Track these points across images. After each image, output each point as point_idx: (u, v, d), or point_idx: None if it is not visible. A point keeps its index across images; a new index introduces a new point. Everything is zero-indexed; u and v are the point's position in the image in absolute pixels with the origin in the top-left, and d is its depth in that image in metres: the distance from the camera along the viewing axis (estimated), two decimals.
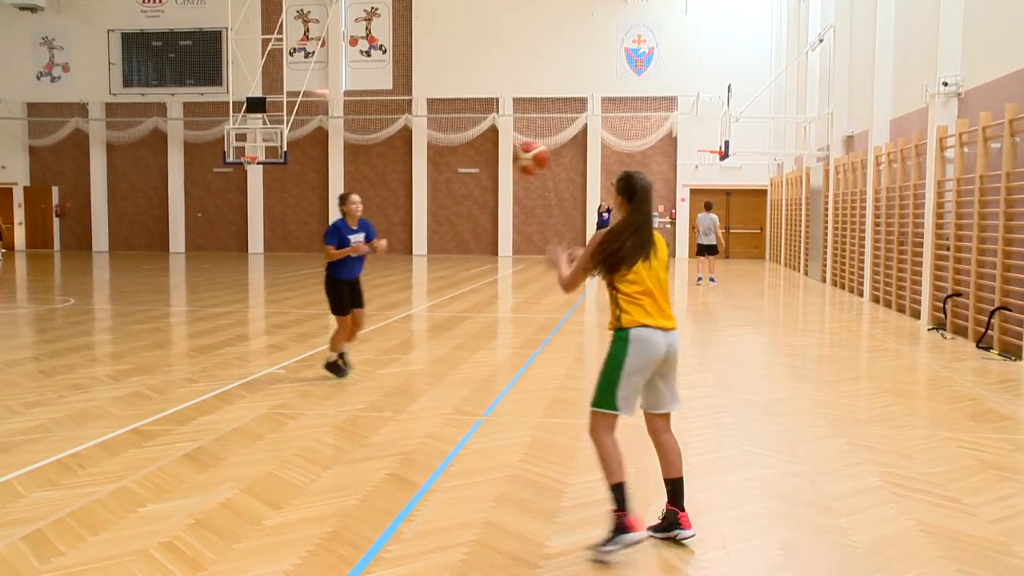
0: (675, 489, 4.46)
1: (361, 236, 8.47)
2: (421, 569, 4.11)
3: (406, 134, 31.81)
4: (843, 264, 19.08)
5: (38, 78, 33.70)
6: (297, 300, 16.23)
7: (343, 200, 8.48)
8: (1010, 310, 10.42)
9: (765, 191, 30.47)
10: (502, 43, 30.92)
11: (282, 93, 28.52)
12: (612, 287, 4.43)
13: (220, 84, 32.30)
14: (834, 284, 19.86)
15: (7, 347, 10.72)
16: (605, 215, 25.87)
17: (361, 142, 32.06)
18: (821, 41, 22.46)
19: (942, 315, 12.52)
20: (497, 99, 31.12)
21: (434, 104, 31.65)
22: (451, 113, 31.48)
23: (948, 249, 12.62)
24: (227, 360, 9.67)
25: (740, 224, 30.63)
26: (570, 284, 4.60)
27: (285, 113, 27.82)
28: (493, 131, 31.33)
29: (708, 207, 20.19)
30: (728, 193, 30.31)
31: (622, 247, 4.37)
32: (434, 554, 4.28)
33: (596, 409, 4.37)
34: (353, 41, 32.29)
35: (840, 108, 20.40)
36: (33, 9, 32.57)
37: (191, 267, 25.46)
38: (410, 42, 31.83)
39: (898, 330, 12.77)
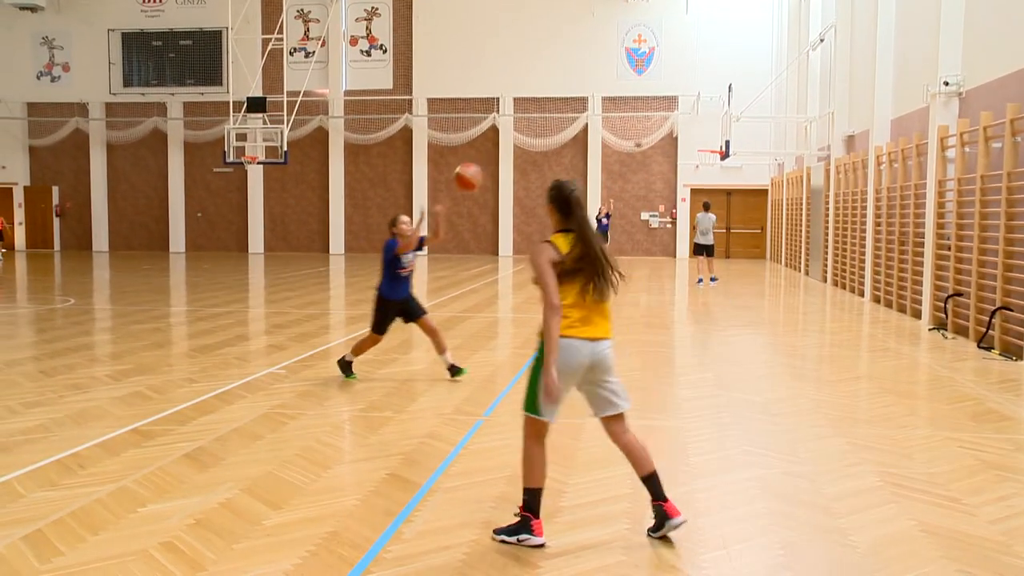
0: (652, 484, 4.47)
1: (411, 256, 8.36)
2: (421, 569, 4.11)
3: (406, 134, 31.82)
4: (844, 264, 19.08)
5: (38, 78, 33.72)
6: (297, 300, 16.23)
7: (392, 223, 8.38)
8: (1011, 310, 10.41)
9: (766, 191, 30.46)
10: (502, 43, 30.92)
11: (282, 93, 28.52)
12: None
13: (220, 84, 32.31)
14: (835, 284, 19.85)
15: (7, 347, 10.72)
16: (604, 220, 25.83)
17: (361, 142, 32.07)
18: (822, 41, 22.45)
19: (943, 315, 12.52)
20: (497, 99, 31.12)
21: (434, 104, 31.66)
22: (451, 113, 31.49)
23: (949, 249, 12.62)
24: (227, 360, 9.67)
25: (741, 224, 30.63)
26: (555, 299, 4.40)
27: (285, 113, 27.82)
28: (493, 131, 31.33)
29: (707, 207, 20.19)
30: (729, 193, 30.30)
31: (568, 264, 4.36)
32: (434, 554, 4.27)
33: (525, 413, 4.47)
34: (353, 41, 32.29)
35: (841, 108, 20.39)
36: (33, 9, 32.58)
37: (191, 267, 25.46)
38: (410, 42, 31.84)
39: (899, 330, 12.77)
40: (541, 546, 4.34)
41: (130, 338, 11.35)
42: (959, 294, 12.06)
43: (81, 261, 27.93)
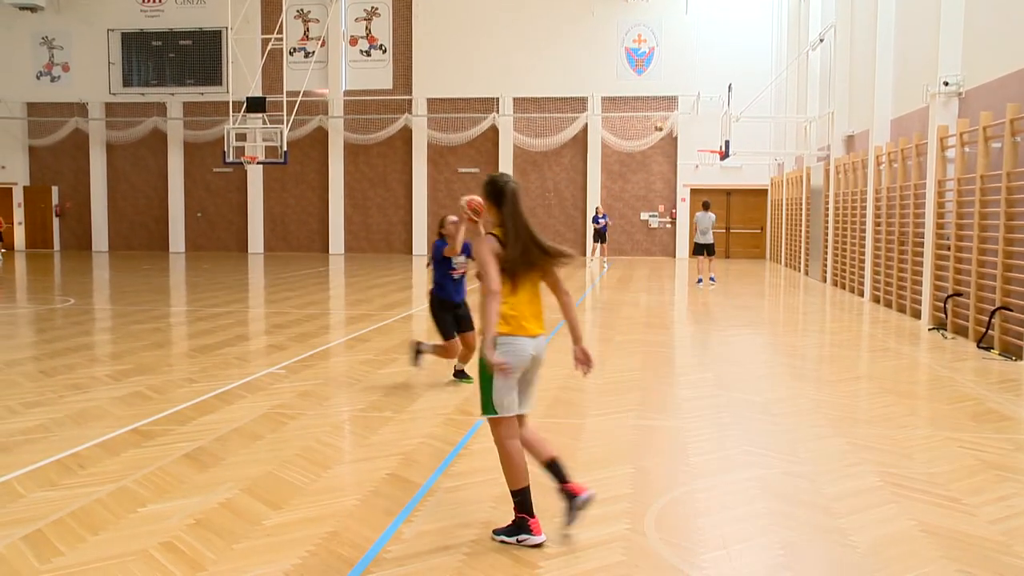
0: (555, 469, 4.49)
1: (463, 258, 8.27)
2: (421, 569, 4.11)
3: (406, 134, 31.81)
4: (843, 264, 19.08)
5: (38, 78, 33.70)
6: (297, 300, 16.22)
7: (441, 223, 8.34)
8: (1011, 310, 10.41)
9: (766, 191, 30.46)
10: (502, 43, 30.91)
11: (282, 93, 28.50)
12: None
13: (220, 84, 32.30)
14: (835, 284, 19.85)
15: (7, 347, 10.72)
16: (602, 220, 25.83)
17: (361, 142, 32.06)
18: (822, 41, 22.46)
19: (943, 315, 12.52)
20: (497, 99, 31.12)
21: (434, 104, 31.65)
22: (451, 113, 31.48)
23: (949, 249, 12.62)
24: (227, 360, 9.67)
25: (741, 224, 30.63)
26: (494, 285, 4.44)
27: (285, 113, 27.81)
28: (493, 131, 31.32)
29: (706, 206, 20.18)
30: (728, 193, 30.30)
31: (509, 261, 4.41)
32: (434, 554, 4.27)
33: (486, 417, 4.51)
34: (353, 41, 32.29)
35: (841, 108, 20.39)
36: (33, 9, 32.57)
37: (191, 267, 25.46)
38: (410, 42, 31.83)
39: (899, 330, 12.77)
40: (541, 545, 4.34)
41: (130, 338, 11.35)
42: (959, 294, 12.07)
43: (81, 261, 27.92)
